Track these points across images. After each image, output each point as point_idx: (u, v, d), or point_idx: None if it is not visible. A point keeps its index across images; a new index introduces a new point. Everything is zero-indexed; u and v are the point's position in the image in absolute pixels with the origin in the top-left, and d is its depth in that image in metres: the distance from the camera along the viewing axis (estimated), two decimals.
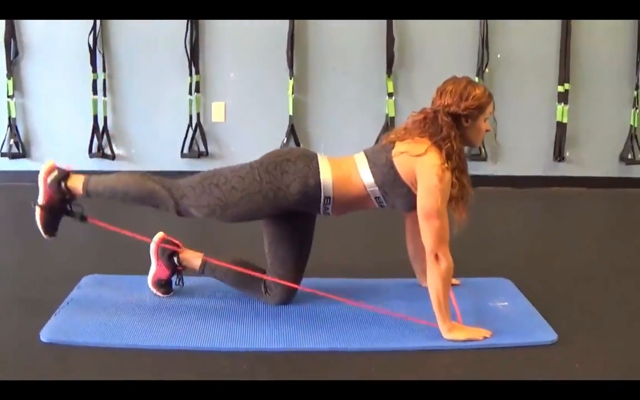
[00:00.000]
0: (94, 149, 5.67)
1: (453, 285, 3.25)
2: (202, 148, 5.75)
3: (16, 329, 2.87)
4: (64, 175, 2.98)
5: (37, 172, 3.01)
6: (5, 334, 2.83)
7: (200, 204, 2.91)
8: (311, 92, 5.80)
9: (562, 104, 5.69)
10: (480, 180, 5.70)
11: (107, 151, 5.70)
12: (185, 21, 5.51)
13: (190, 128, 5.73)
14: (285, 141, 5.66)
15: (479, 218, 4.96)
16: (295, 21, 5.56)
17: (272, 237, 3.06)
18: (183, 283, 3.21)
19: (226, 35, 5.71)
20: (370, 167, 2.88)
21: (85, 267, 3.47)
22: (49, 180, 2.96)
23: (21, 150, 5.63)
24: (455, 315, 2.92)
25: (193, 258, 3.18)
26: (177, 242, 3.20)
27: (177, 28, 5.54)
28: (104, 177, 3.00)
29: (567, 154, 5.81)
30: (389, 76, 5.65)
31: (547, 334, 2.86)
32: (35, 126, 5.69)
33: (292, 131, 5.69)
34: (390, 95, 5.65)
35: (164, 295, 3.17)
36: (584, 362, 2.68)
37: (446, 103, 2.85)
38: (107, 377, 2.44)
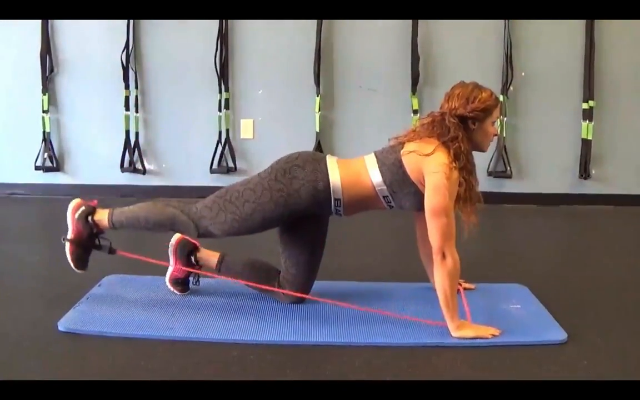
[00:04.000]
0: (126, 164, 5.83)
1: (467, 289, 3.31)
2: (231, 164, 5.86)
3: (36, 319, 2.97)
4: (91, 210, 3.10)
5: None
6: (25, 323, 2.93)
7: (218, 221, 2.97)
8: (337, 109, 5.88)
9: (587, 122, 5.67)
10: (506, 198, 5.77)
11: (139, 166, 5.84)
12: (215, 40, 5.66)
13: (219, 144, 5.84)
14: None
15: (502, 233, 5.04)
16: (322, 39, 5.67)
17: (286, 239, 3.13)
18: (199, 282, 3.27)
19: (255, 53, 5.84)
20: (379, 167, 2.93)
21: (107, 268, 3.55)
22: (76, 215, 3.07)
23: (55, 164, 5.78)
24: (464, 314, 2.94)
25: (210, 257, 3.25)
26: (194, 241, 3.27)
27: (207, 46, 5.70)
28: (126, 208, 3.10)
29: (593, 172, 5.79)
30: (414, 94, 5.71)
31: (557, 334, 2.86)
32: (68, 141, 5.86)
33: (318, 148, 5.76)
34: (415, 112, 5.70)
35: (181, 294, 3.25)
36: (592, 360, 2.67)
37: (453, 106, 2.91)
38: (119, 364, 2.54)
